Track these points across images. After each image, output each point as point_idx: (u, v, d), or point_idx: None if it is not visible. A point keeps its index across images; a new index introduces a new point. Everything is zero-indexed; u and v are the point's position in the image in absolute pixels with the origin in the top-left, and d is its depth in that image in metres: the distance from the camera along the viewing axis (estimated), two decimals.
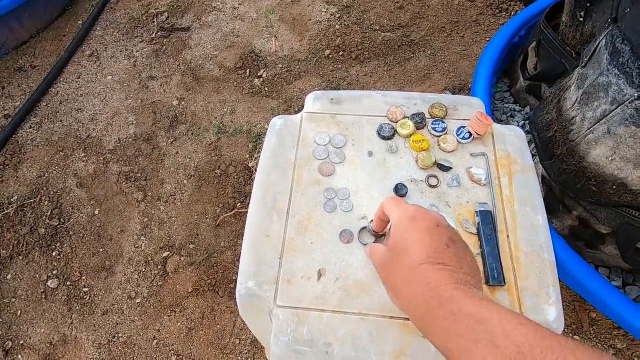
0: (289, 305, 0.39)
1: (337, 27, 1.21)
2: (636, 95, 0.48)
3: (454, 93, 1.03)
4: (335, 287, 0.40)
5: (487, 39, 1.13)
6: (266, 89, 1.10)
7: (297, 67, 1.14)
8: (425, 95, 0.54)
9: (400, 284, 0.28)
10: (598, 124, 0.54)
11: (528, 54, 0.87)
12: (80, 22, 1.28)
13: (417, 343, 0.37)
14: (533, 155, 0.84)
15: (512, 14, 1.16)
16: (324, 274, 0.40)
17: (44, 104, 1.11)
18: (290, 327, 0.38)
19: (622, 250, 0.61)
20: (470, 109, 0.52)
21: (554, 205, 0.70)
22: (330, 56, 1.15)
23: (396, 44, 1.15)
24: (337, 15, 1.23)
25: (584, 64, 0.57)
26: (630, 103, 0.48)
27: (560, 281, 0.74)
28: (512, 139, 0.50)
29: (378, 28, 1.19)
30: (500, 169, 0.48)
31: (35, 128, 1.06)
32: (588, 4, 0.66)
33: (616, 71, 0.49)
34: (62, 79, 1.16)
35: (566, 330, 0.73)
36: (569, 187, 0.63)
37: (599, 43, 0.54)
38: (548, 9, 0.81)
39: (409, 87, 1.07)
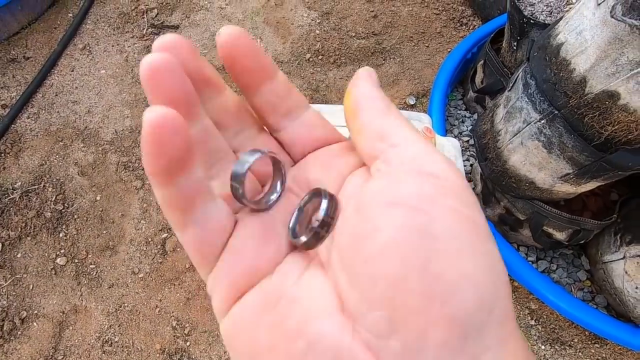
0: None
1: (317, 32, 1.33)
2: (538, 118, 0.64)
3: (417, 98, 1.18)
4: None
5: (449, 50, 1.29)
6: None
7: (280, 68, 1.26)
8: None
9: None
10: (515, 136, 0.71)
11: (477, 70, 1.04)
12: (71, 15, 1.33)
13: None
14: (474, 156, 1.01)
15: (471, 28, 1.32)
16: None
17: (40, 95, 1.17)
18: None
19: (532, 232, 0.80)
20: (420, 123, 0.68)
21: (488, 197, 0.88)
22: (311, 59, 1.27)
23: (369, 51, 1.29)
24: (317, 21, 1.35)
25: (509, 89, 0.74)
26: (534, 124, 0.65)
27: None
28: (449, 148, 0.66)
29: (354, 35, 1.33)
30: None
31: (33, 118, 1.13)
32: (518, 37, 0.82)
33: (526, 99, 0.66)
34: (56, 71, 1.22)
35: None
36: (497, 183, 0.81)
37: (518, 74, 0.70)
38: (493, 34, 0.98)
39: None
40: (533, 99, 0.64)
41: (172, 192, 0.13)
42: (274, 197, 0.16)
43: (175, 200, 0.13)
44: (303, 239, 0.14)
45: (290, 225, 0.15)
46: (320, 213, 0.14)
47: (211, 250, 0.14)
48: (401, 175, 0.13)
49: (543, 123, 0.64)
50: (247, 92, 0.16)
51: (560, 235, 0.77)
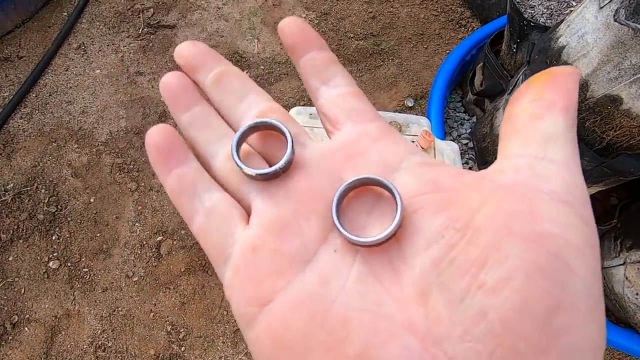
0: None
1: None
2: None
3: (415, 100, 1.18)
4: None
5: (447, 51, 1.28)
6: None
7: (278, 69, 1.25)
8: (385, 114, 0.68)
9: None
10: None
11: (476, 72, 1.03)
12: (65, 14, 1.31)
13: None
14: (473, 159, 1.00)
15: (470, 29, 1.31)
16: None
17: (33, 95, 1.16)
18: None
19: None
20: (419, 126, 0.67)
21: None
22: None
23: (367, 52, 1.28)
24: (316, 21, 1.34)
25: (509, 92, 0.73)
26: None
27: None
28: (449, 152, 0.65)
29: (352, 36, 1.31)
30: None
31: (25, 119, 1.12)
32: (518, 40, 0.82)
33: None
34: (50, 71, 1.20)
35: None
36: None
37: (519, 77, 0.69)
38: (492, 36, 0.97)
39: (378, 93, 1.21)
40: None
41: (173, 181, 0.15)
42: (278, 164, 0.14)
43: (176, 189, 0.15)
44: (376, 238, 0.12)
45: (335, 217, 0.13)
46: (398, 212, 0.12)
47: (220, 242, 0.14)
48: (545, 204, 0.11)
49: None
50: (295, 54, 0.17)
51: None
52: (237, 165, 0.15)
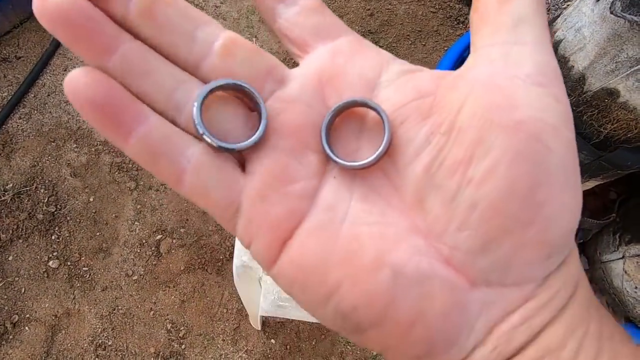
0: None
1: None
2: None
3: None
4: None
5: (446, 48, 1.28)
6: None
7: None
8: None
9: None
10: None
11: None
12: None
13: None
14: None
15: (468, 26, 1.31)
16: None
17: (32, 95, 1.16)
18: (276, 289, 0.52)
19: None
20: None
21: None
22: None
23: None
24: None
25: None
26: None
27: None
28: None
29: None
30: None
31: (24, 119, 1.12)
32: None
33: None
34: (48, 71, 1.20)
35: None
36: None
37: None
38: None
39: None
40: None
41: (138, 146, 0.12)
42: (250, 137, 0.13)
43: (146, 153, 0.12)
44: (369, 160, 0.13)
45: (327, 148, 0.13)
46: (386, 132, 0.13)
47: (224, 195, 0.13)
48: (521, 90, 0.11)
49: None
50: None
51: None
52: (210, 142, 0.12)
